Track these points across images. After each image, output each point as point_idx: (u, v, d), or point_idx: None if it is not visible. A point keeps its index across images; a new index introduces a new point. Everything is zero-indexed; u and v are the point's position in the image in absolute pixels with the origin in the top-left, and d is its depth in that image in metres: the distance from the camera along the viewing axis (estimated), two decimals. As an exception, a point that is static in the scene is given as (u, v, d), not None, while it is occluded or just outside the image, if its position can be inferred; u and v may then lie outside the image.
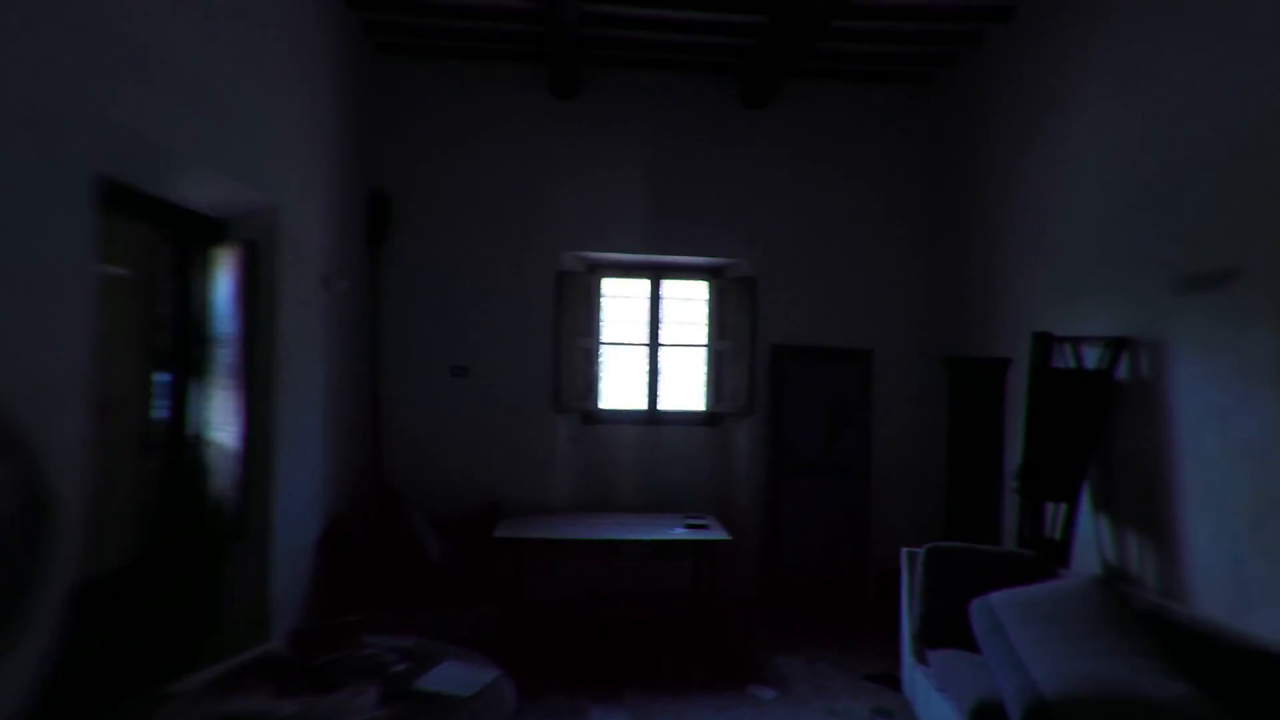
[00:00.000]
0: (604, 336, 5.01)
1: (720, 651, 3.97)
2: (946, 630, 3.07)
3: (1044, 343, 3.34)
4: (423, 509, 4.38)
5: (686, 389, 5.05)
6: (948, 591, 3.11)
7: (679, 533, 4.08)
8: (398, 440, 4.63)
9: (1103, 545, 3.27)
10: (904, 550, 3.39)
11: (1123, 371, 3.18)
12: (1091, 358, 3.31)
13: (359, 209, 4.41)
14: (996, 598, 2.85)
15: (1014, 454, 3.92)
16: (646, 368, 5.00)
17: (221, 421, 3.07)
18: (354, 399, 4.35)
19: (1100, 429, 3.23)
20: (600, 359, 5.00)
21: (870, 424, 4.82)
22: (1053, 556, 3.25)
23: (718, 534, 4.07)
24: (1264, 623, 2.40)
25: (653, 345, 5.00)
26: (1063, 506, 3.32)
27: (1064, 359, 3.46)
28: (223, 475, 3.07)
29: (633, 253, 4.84)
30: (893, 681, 3.57)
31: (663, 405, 5.01)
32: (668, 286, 5.05)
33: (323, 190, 3.78)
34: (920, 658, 3.19)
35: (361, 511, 4.22)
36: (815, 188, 4.86)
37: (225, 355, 3.05)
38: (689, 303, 5.08)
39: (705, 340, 5.04)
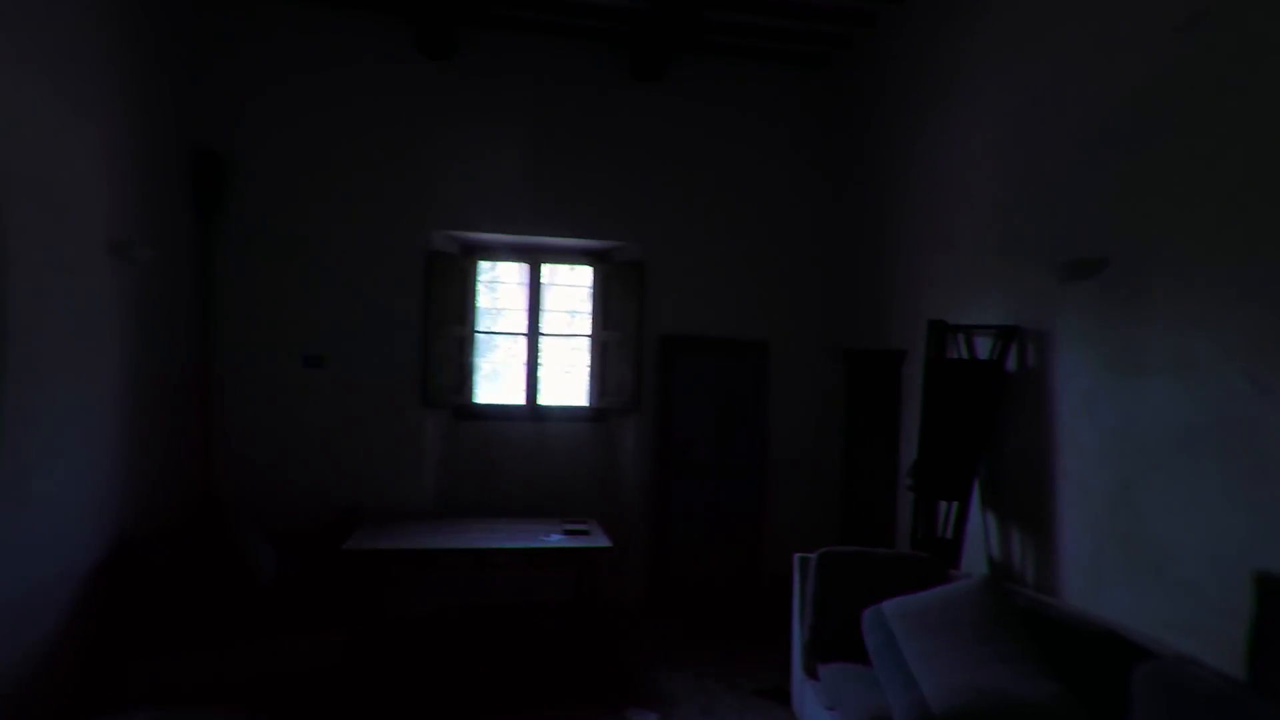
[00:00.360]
0: (480, 325, 4.55)
1: (600, 669, 3.61)
2: (839, 640, 2.84)
3: (939, 332, 3.17)
4: (265, 519, 3.79)
5: (570, 383, 4.67)
6: (840, 599, 2.89)
7: (555, 540, 3.68)
8: (237, 440, 4.00)
9: (990, 543, 3.16)
10: (796, 556, 3.14)
11: (1012, 362, 3.06)
12: (984, 348, 3.18)
13: (177, 168, 3.75)
14: (888, 607, 2.64)
15: (909, 450, 3.78)
16: (526, 360, 4.58)
17: None
18: (171, 393, 3.69)
19: (992, 422, 3.10)
20: (476, 349, 4.53)
21: (766, 421, 4.60)
22: (944, 556, 3.09)
23: (598, 541, 3.71)
24: (1113, 604, 2.51)
25: (533, 335, 4.58)
26: (954, 504, 3.17)
27: (958, 350, 3.32)
28: None
29: (511, 233, 4.40)
30: (784, 696, 3.32)
31: (544, 400, 4.60)
32: (549, 272, 4.64)
33: (98, 134, 3.03)
34: (810, 672, 2.95)
35: (174, 527, 3.57)
36: (709, 170, 4.58)
37: None
38: (572, 289, 4.69)
39: (589, 330, 4.67)
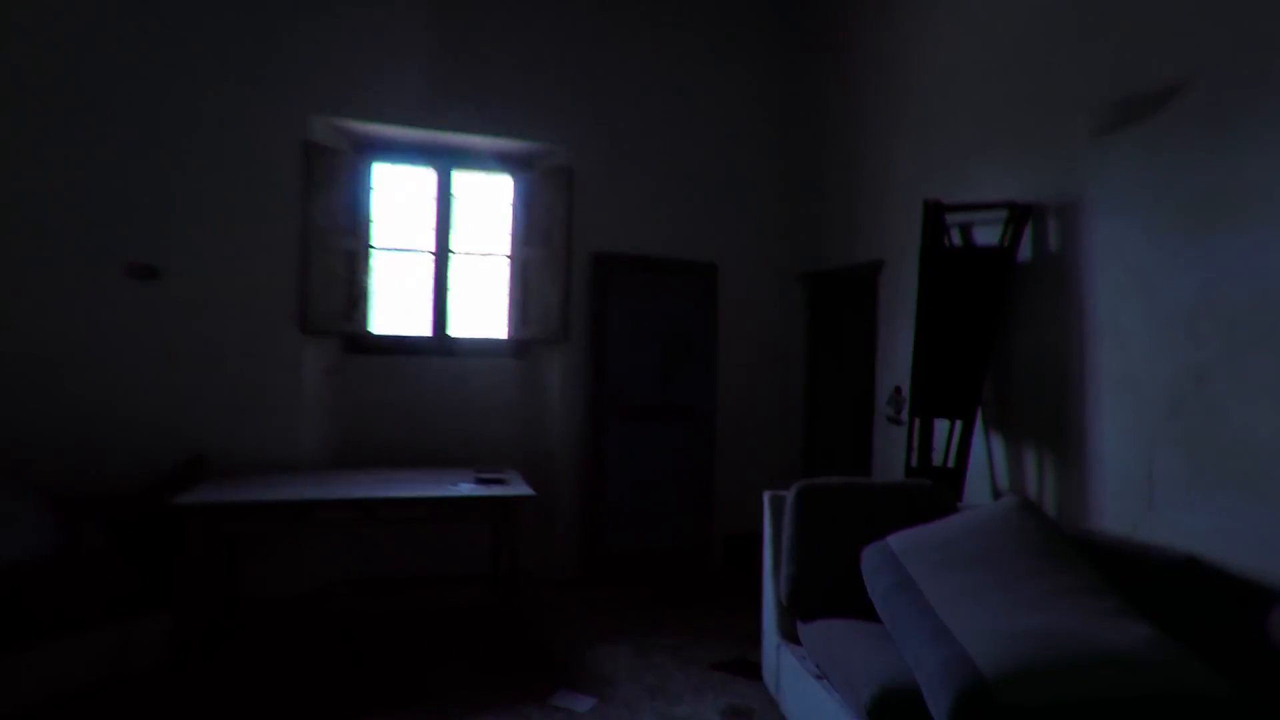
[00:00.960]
0: (376, 239, 3.72)
1: (524, 648, 2.90)
2: (824, 595, 2.24)
3: (936, 215, 2.60)
4: (58, 478, 2.89)
5: (487, 310, 3.90)
6: (825, 543, 2.28)
7: (465, 489, 2.94)
8: (14, 376, 3.03)
9: (995, 469, 2.62)
10: (767, 494, 2.51)
11: (1027, 250, 2.52)
12: (987, 239, 2.63)
13: None
14: (896, 542, 2.04)
15: (888, 378, 3.22)
16: (434, 282, 3.79)
17: None
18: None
19: (1000, 322, 2.55)
20: (370, 269, 3.70)
21: (715, 354, 3.96)
22: (947, 486, 2.53)
23: (518, 489, 2.99)
24: (1173, 529, 1.98)
25: (442, 253, 3.80)
26: (955, 426, 2.61)
27: (954, 244, 2.77)
28: None
29: (414, 127, 3.58)
30: (750, 668, 2.70)
31: (455, 331, 3.82)
32: (462, 179, 3.85)
33: None
34: (789, 635, 2.33)
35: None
36: (650, 62, 3.89)
37: None
38: (489, 201, 3.92)
39: (509, 249, 3.91)
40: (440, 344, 3.77)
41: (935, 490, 2.36)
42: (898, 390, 3.10)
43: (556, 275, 3.73)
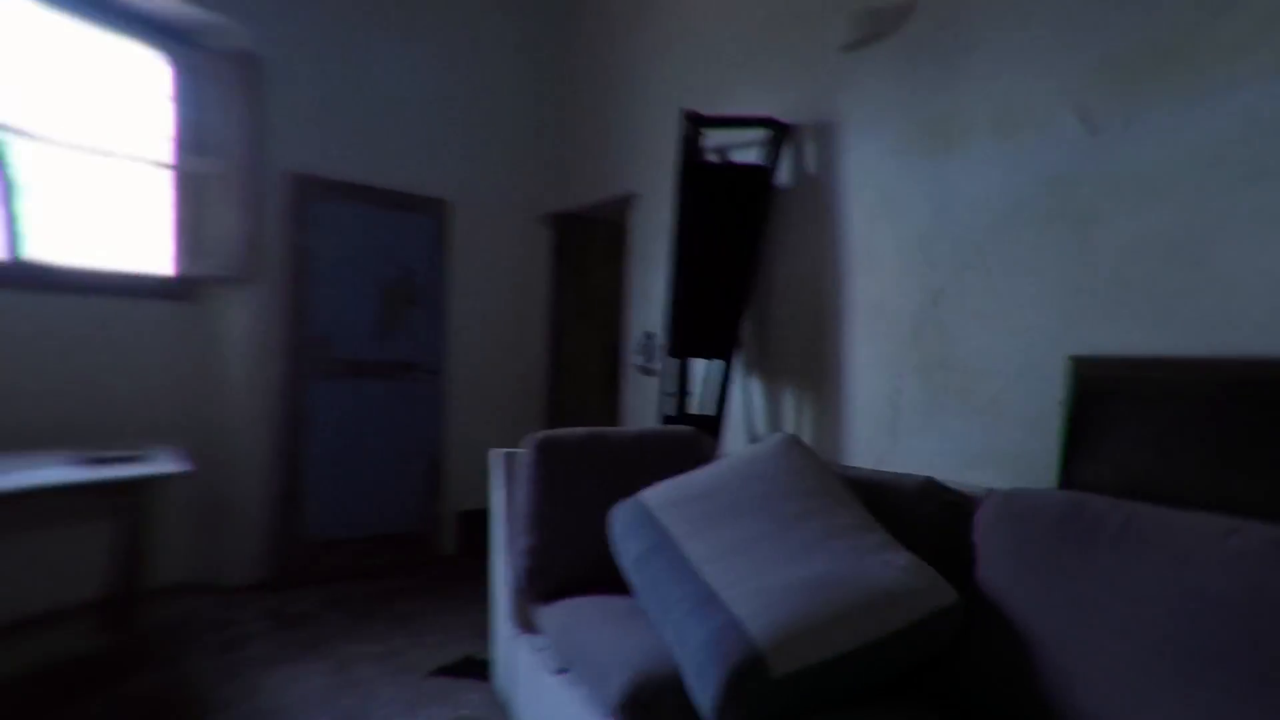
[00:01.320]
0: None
1: (152, 696, 2.09)
2: (568, 571, 1.82)
3: (693, 128, 2.30)
4: None
5: (140, 236, 2.88)
6: (569, 508, 1.85)
7: (58, 475, 2.02)
8: None
9: (755, 413, 2.42)
10: (494, 453, 2.03)
11: (788, 175, 2.33)
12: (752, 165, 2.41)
13: None
14: (652, 496, 1.68)
15: (641, 322, 2.91)
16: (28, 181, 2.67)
17: None
18: None
19: (760, 252, 2.35)
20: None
21: (447, 302, 3.37)
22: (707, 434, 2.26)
23: (156, 467, 2.15)
24: (918, 453, 1.95)
25: (29, 138, 2.68)
26: (713, 370, 2.36)
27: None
28: None
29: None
30: (480, 669, 2.21)
31: (56, 257, 2.69)
32: (80, 35, 2.77)
33: None
34: (526, 623, 1.87)
35: None
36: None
37: None
38: (139, 83, 2.89)
39: (172, 155, 2.92)
40: (20, 274, 2.61)
41: (696, 437, 2.05)
42: (649, 336, 2.81)
43: (241, 197, 2.86)
